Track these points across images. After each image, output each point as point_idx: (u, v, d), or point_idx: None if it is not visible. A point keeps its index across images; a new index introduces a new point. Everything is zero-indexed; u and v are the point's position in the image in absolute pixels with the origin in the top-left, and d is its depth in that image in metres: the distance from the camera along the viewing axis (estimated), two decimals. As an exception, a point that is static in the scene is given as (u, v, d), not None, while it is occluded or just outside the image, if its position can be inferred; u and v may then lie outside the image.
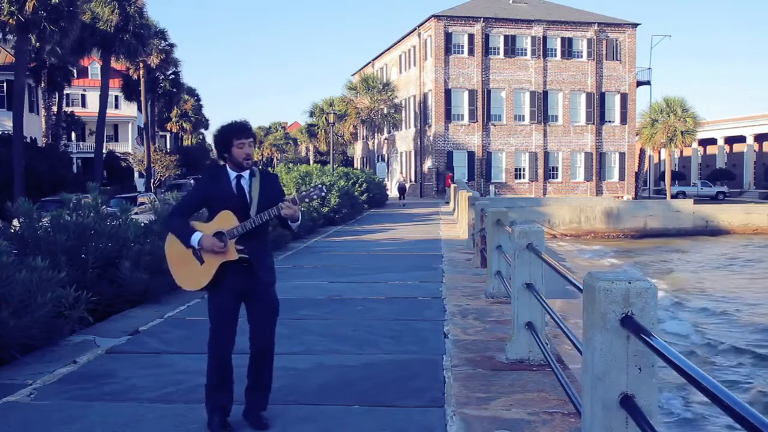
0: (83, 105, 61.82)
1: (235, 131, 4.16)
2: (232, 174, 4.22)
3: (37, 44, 32.88)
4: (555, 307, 5.07)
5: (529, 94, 48.65)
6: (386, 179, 49.68)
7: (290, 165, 33.80)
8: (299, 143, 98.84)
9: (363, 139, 64.80)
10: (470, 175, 47.18)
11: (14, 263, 6.32)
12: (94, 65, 58.34)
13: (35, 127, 40.89)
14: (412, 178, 51.29)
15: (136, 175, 54.03)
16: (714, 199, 54.32)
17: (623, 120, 50.20)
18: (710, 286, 21.42)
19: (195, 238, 4.12)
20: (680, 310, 16.96)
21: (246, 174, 4.23)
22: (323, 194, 4.43)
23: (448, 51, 47.40)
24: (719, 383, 2.00)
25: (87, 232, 8.30)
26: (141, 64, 47.30)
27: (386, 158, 58.15)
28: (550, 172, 49.34)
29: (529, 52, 48.49)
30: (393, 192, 45.30)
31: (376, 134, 59.31)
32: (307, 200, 4.31)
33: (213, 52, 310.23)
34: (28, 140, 32.27)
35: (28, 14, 27.30)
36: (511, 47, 48.36)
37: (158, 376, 5.50)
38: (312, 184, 4.85)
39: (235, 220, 4.14)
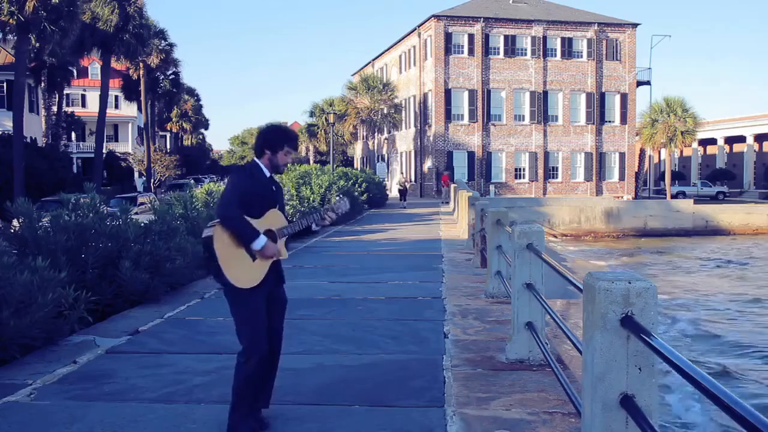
0: (83, 105, 61.84)
1: (290, 139, 4.28)
2: (267, 173, 4.26)
3: (37, 44, 32.91)
4: (555, 307, 5.07)
5: (529, 94, 48.64)
6: (386, 179, 49.67)
7: (290, 165, 33.81)
8: (299, 143, 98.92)
9: (363, 139, 64.78)
10: (470, 175, 47.17)
11: (14, 264, 6.32)
12: (94, 65, 58.35)
13: (35, 127, 40.89)
14: (412, 178, 51.26)
15: (136, 175, 54.05)
16: (714, 199, 54.31)
17: (623, 120, 50.19)
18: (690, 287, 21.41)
19: (260, 242, 4.02)
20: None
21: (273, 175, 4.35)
22: (347, 209, 4.67)
23: (448, 51, 47.38)
24: (720, 383, 2.00)
25: (87, 232, 8.30)
26: (141, 64, 47.34)
27: (386, 158, 58.14)
28: (550, 172, 49.34)
29: (529, 52, 48.49)
30: (393, 192, 45.22)
31: (376, 134, 59.30)
32: (338, 212, 4.59)
33: (213, 52, 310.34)
34: (28, 140, 32.29)
35: (28, 14, 27.31)
36: (511, 47, 48.35)
37: (158, 376, 5.50)
38: (338, 197, 5.13)
39: (284, 219, 4.21)
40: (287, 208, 17.31)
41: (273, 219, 4.15)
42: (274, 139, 4.22)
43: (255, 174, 4.21)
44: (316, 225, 4.40)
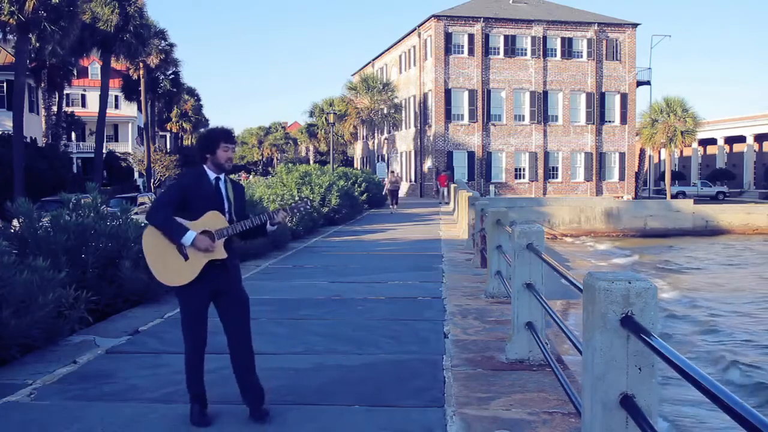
0: (83, 105, 61.85)
1: (224, 135, 4.41)
2: (212, 175, 4.42)
3: (37, 44, 32.84)
4: (555, 307, 5.08)
5: (529, 94, 48.64)
6: (386, 179, 49.58)
7: (290, 165, 33.81)
8: (299, 143, 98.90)
9: (363, 139, 64.79)
10: (470, 175, 47.16)
11: (15, 263, 6.32)
12: (94, 65, 58.37)
13: (35, 127, 40.88)
14: (412, 178, 51.24)
15: (136, 174, 54.04)
16: (714, 199, 54.30)
17: (623, 120, 50.19)
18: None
19: (189, 237, 4.23)
20: None
21: (222, 177, 4.46)
22: (309, 208, 4.72)
23: (448, 51, 47.37)
24: (719, 383, 2.00)
25: (87, 232, 8.30)
26: (141, 64, 47.32)
27: (386, 158, 58.15)
28: (550, 172, 49.34)
29: (529, 52, 48.48)
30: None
31: (376, 134, 59.30)
32: (295, 211, 4.59)
33: (213, 52, 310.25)
34: (28, 140, 32.25)
35: (29, 14, 27.28)
36: (511, 47, 48.34)
37: (158, 376, 5.51)
38: (300, 197, 5.20)
39: (224, 220, 4.34)
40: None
41: (211, 220, 4.31)
42: (212, 140, 4.41)
43: (200, 178, 4.39)
44: (271, 224, 4.46)
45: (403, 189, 51.03)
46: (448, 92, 47.53)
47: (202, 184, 4.37)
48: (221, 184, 4.43)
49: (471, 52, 47.67)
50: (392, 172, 37.31)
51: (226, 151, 4.37)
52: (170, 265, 4.28)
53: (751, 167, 64.21)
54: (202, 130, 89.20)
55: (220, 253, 4.29)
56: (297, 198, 19.97)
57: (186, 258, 4.26)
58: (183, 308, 4.41)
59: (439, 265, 12.32)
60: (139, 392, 5.11)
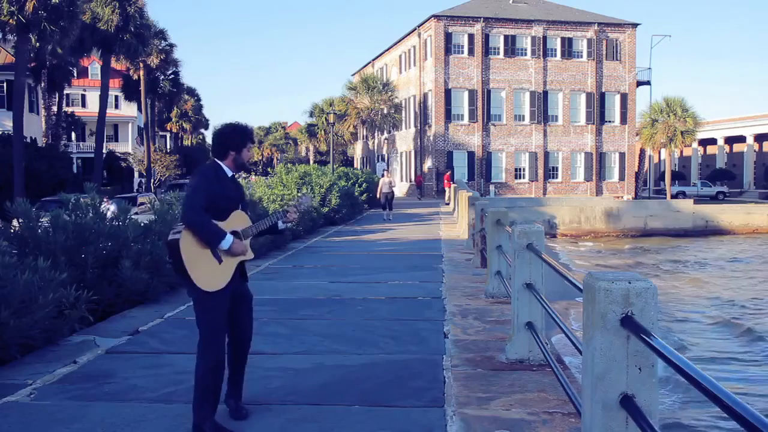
0: (83, 105, 61.84)
1: (251, 136, 4.42)
2: (229, 173, 4.32)
3: (37, 44, 32.87)
4: (555, 308, 5.07)
5: (529, 94, 48.64)
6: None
7: (290, 165, 33.69)
8: (299, 143, 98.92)
9: (363, 139, 64.79)
10: (470, 175, 47.17)
11: (15, 264, 6.31)
12: (94, 65, 58.38)
13: (35, 127, 40.87)
14: (412, 178, 51.23)
15: (136, 174, 54.05)
16: (714, 199, 54.31)
17: (623, 120, 50.20)
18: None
19: (227, 242, 4.06)
20: None
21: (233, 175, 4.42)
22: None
23: (448, 51, 47.38)
24: (719, 383, 2.00)
25: (86, 232, 8.29)
26: (141, 64, 47.34)
27: (386, 158, 58.15)
28: (550, 172, 49.34)
29: (529, 52, 48.49)
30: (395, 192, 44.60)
31: (376, 134, 59.29)
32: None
33: (213, 52, 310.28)
34: (28, 140, 32.25)
35: (29, 14, 27.29)
36: (511, 47, 48.34)
37: (158, 376, 5.50)
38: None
39: (248, 219, 4.29)
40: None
41: (237, 220, 4.22)
42: (239, 138, 4.29)
43: (219, 175, 4.24)
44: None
45: (403, 189, 51.11)
46: (448, 92, 47.53)
47: (224, 182, 4.23)
48: (236, 182, 4.43)
49: (471, 52, 47.68)
50: (387, 171, 35.52)
51: (250, 150, 4.39)
52: (207, 269, 4.05)
53: (751, 167, 64.22)
54: (202, 130, 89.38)
55: (249, 254, 4.22)
56: (298, 195, 19.96)
57: (220, 261, 4.09)
58: (211, 316, 4.10)
59: (439, 265, 12.32)
60: (139, 392, 5.11)
